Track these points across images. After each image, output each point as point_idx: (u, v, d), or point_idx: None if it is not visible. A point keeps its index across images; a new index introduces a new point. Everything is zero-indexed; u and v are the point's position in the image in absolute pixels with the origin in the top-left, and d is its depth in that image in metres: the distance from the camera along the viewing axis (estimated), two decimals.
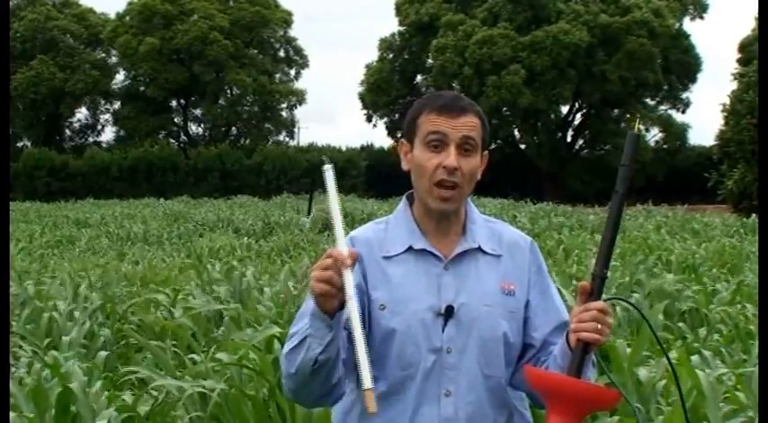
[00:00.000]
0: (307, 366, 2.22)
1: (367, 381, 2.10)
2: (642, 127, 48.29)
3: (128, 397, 5.17)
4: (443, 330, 2.32)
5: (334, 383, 2.27)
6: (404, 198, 2.46)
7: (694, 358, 5.49)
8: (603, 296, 2.20)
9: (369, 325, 2.34)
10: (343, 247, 2.16)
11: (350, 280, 2.14)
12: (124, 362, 7.11)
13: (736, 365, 5.63)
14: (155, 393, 5.20)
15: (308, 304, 2.26)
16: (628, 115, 46.73)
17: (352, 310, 2.13)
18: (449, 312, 2.32)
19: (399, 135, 2.49)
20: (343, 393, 2.33)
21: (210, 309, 7.91)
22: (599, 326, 2.15)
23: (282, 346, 2.43)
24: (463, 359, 2.32)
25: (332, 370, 2.24)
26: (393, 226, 2.43)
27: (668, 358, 2.30)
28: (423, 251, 2.37)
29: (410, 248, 2.38)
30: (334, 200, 2.20)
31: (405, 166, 2.41)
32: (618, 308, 7.23)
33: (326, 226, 20.43)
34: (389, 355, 2.32)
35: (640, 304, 7.64)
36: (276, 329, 5.65)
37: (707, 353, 5.58)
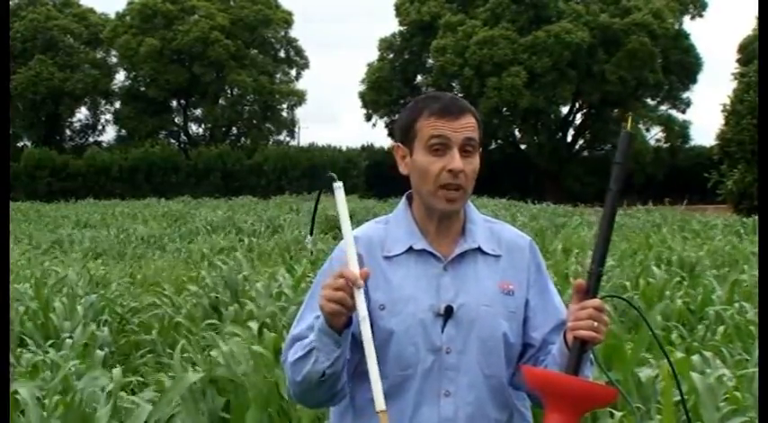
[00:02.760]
0: (314, 378, 2.26)
1: (380, 403, 2.13)
2: (642, 127, 48.30)
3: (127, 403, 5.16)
4: (443, 331, 2.33)
5: (339, 389, 2.31)
6: (404, 198, 2.47)
7: (695, 358, 5.49)
8: (599, 294, 2.20)
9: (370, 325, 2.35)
10: (354, 266, 2.18)
11: (362, 300, 2.16)
12: (124, 361, 7.12)
13: (736, 365, 5.63)
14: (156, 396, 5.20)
15: (309, 309, 2.32)
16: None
17: (366, 331, 2.15)
18: (448, 312, 2.32)
19: (394, 139, 2.47)
20: (346, 395, 2.35)
21: (210, 304, 7.93)
22: (595, 323, 2.16)
23: (285, 339, 2.45)
24: (463, 359, 2.32)
25: (338, 379, 2.29)
26: (393, 226, 2.43)
27: (668, 357, 2.31)
28: (423, 252, 2.38)
29: (410, 249, 2.38)
30: (345, 219, 2.20)
31: (403, 170, 2.40)
32: (618, 307, 7.24)
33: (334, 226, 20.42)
34: (389, 355, 2.33)
35: (638, 304, 7.64)
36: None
37: (707, 353, 5.58)
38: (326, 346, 2.22)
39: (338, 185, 2.21)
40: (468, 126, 2.34)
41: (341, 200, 2.20)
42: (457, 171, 2.31)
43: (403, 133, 2.40)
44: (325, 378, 2.25)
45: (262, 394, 4.91)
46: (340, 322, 2.20)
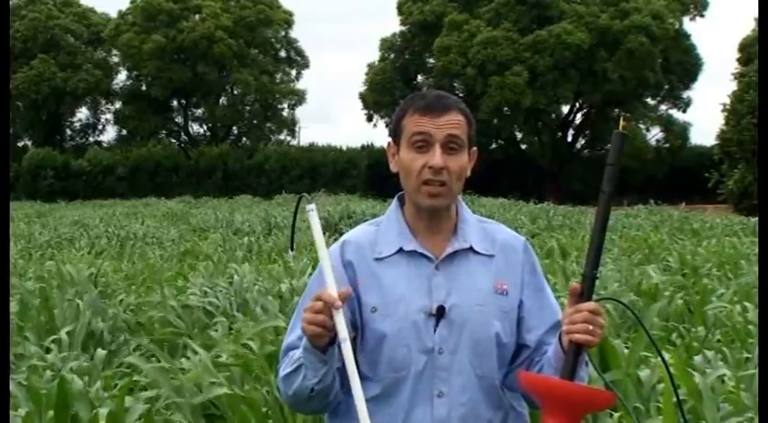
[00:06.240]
0: (304, 393, 2.29)
1: (365, 421, 2.13)
2: (642, 126, 48.30)
3: (128, 401, 5.13)
4: (435, 331, 2.32)
5: (331, 400, 2.33)
6: (395, 199, 2.46)
7: (695, 358, 5.48)
8: (594, 296, 2.19)
9: (361, 328, 2.35)
10: (332, 288, 2.18)
11: (342, 321, 2.16)
12: (121, 361, 7.08)
13: (737, 365, 5.62)
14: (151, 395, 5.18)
15: (299, 317, 2.30)
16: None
17: (347, 352, 2.16)
18: (440, 313, 2.31)
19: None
20: (342, 400, 2.35)
21: (209, 305, 7.92)
22: (590, 327, 2.15)
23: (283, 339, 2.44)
24: (455, 360, 2.32)
25: (329, 392, 2.30)
26: (385, 227, 2.43)
27: (662, 358, 2.29)
28: (413, 252, 2.37)
29: (401, 250, 2.37)
30: (320, 241, 2.20)
31: (393, 167, 2.41)
32: (615, 307, 7.22)
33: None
34: (382, 357, 2.32)
35: (637, 304, 7.62)
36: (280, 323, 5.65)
37: (709, 353, 5.57)
38: (313, 363, 2.25)
39: (311, 208, 2.20)
40: (451, 123, 2.34)
41: (315, 223, 2.20)
42: (437, 167, 2.31)
43: (393, 131, 2.41)
44: (314, 393, 2.28)
45: (254, 407, 4.87)
46: (323, 342, 2.22)
